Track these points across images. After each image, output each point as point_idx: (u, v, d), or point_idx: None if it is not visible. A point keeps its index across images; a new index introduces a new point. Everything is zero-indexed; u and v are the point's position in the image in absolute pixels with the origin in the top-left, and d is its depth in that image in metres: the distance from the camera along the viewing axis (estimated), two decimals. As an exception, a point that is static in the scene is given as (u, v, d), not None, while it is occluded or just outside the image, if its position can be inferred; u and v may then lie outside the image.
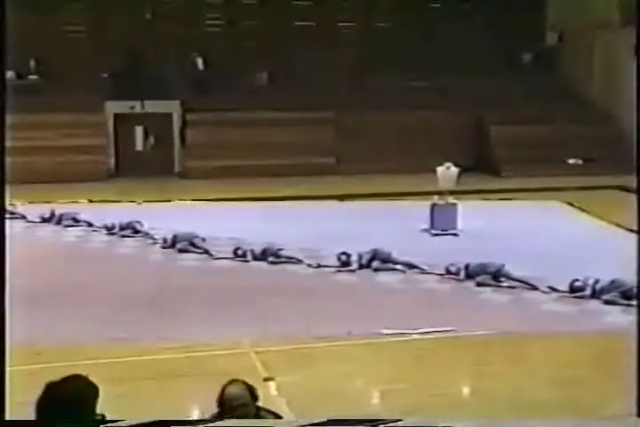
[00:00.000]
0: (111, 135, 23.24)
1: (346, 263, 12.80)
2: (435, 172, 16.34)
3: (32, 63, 23.42)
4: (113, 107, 22.99)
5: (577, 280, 11.26)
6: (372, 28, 25.51)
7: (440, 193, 15.78)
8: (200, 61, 24.06)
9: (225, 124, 22.57)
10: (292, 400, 7.75)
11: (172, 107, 23.34)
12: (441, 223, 15.29)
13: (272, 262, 13.19)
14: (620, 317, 10.09)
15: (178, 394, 8.09)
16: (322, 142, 22.76)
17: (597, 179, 20.42)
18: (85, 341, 9.41)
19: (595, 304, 10.83)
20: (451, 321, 9.97)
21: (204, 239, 14.20)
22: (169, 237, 14.33)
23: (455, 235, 15.11)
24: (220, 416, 4.20)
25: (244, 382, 4.40)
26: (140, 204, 18.54)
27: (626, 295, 10.55)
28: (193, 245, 14.03)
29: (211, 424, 3.59)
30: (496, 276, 11.92)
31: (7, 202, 17.65)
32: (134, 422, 3.52)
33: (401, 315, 10.41)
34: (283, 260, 13.25)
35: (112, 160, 23.09)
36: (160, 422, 3.59)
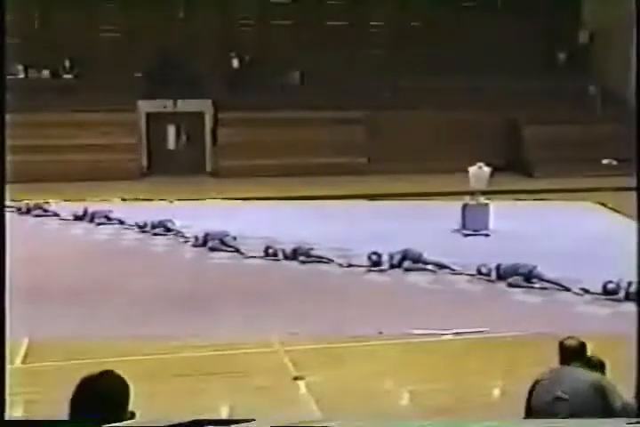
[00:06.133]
0: (143, 134, 23.37)
1: (376, 263, 12.77)
2: (466, 172, 16.25)
3: (66, 63, 23.62)
4: (145, 106, 23.11)
5: (610, 282, 11.15)
6: (404, 28, 25.40)
7: (472, 193, 15.69)
8: (235, 61, 24.14)
9: (257, 123, 22.60)
10: (320, 399, 7.75)
11: (204, 106, 23.42)
12: (472, 224, 15.21)
13: (303, 262, 13.19)
14: (654, 319, 9.96)
15: (208, 392, 8.11)
16: (353, 142, 22.73)
17: (632, 179, 20.17)
18: (116, 338, 9.47)
19: (628, 306, 10.70)
20: (482, 322, 9.92)
21: (235, 238, 14.23)
22: (200, 235, 14.38)
23: (487, 235, 15.01)
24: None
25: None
26: (171, 202, 18.63)
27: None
28: (224, 243, 14.07)
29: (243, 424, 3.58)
30: (528, 277, 11.83)
31: (40, 201, 17.50)
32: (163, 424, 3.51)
33: (432, 315, 10.37)
34: (313, 259, 13.25)
35: (144, 159, 23.21)
36: (193, 422, 3.58)
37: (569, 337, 5.77)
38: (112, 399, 3.57)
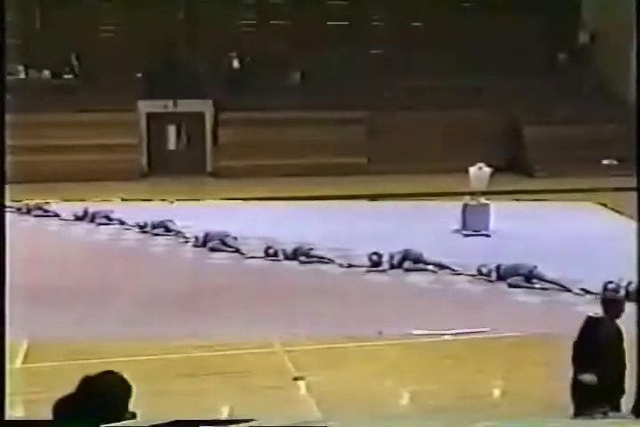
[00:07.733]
0: (144, 134, 23.37)
1: (377, 263, 12.77)
2: (467, 172, 16.25)
3: (67, 63, 23.60)
4: (146, 106, 23.11)
5: (610, 282, 11.15)
6: (404, 28, 25.41)
7: (472, 193, 15.69)
8: (236, 61, 24.15)
9: (257, 123, 22.60)
10: (321, 400, 7.75)
11: (205, 106, 23.41)
12: (473, 224, 15.21)
13: (303, 262, 13.20)
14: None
15: (209, 392, 8.12)
16: (353, 142, 22.73)
17: (632, 180, 20.14)
18: (116, 338, 9.47)
19: (628, 306, 10.68)
20: (482, 322, 9.92)
21: (235, 238, 14.23)
22: (200, 235, 14.38)
23: (487, 236, 15.02)
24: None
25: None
26: (172, 202, 18.63)
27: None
28: (224, 243, 14.07)
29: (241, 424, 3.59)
30: (528, 277, 11.84)
31: (40, 201, 17.47)
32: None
33: (432, 316, 10.38)
34: (314, 259, 13.25)
35: (145, 159, 23.21)
36: (178, 421, 3.58)
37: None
38: (113, 400, 3.58)
